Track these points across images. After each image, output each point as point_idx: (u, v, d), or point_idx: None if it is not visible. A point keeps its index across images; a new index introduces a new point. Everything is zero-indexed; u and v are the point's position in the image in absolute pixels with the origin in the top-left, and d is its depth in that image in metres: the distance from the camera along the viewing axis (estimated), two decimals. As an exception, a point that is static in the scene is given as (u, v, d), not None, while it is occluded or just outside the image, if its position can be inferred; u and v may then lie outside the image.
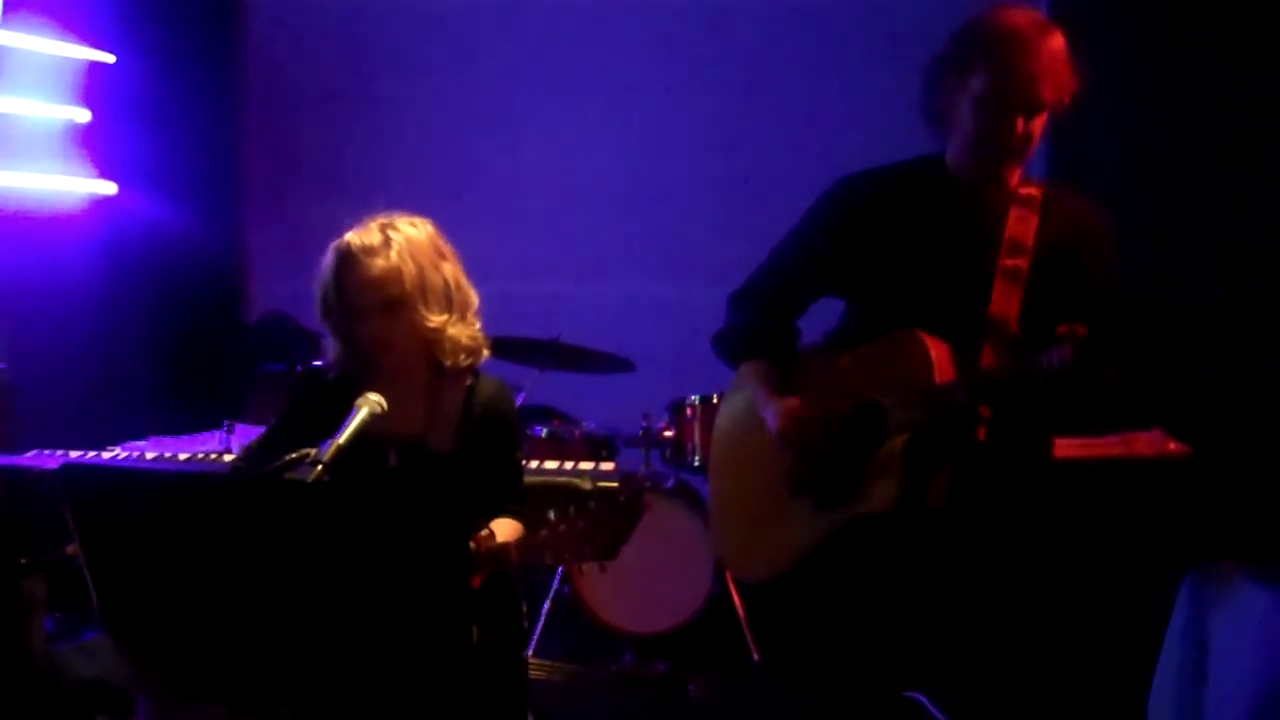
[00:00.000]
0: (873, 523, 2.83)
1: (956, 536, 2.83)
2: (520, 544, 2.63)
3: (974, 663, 2.89)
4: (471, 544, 2.57)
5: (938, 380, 2.73)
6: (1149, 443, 3.72)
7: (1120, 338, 2.50)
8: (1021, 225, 2.82)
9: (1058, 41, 2.70)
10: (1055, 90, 2.69)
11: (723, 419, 3.27)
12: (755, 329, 3.09)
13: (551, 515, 2.57)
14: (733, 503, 3.20)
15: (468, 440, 2.95)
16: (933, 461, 2.76)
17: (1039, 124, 2.72)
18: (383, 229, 2.90)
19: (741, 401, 3.16)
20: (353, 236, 2.90)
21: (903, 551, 2.86)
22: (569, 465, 4.29)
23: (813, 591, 3.03)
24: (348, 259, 2.88)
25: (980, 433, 2.76)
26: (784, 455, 2.98)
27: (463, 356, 2.97)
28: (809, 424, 2.92)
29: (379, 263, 2.85)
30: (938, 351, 2.76)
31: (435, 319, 2.90)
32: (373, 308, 2.87)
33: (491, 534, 2.65)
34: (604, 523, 2.53)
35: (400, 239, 2.88)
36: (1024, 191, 2.85)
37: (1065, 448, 3.22)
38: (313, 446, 2.52)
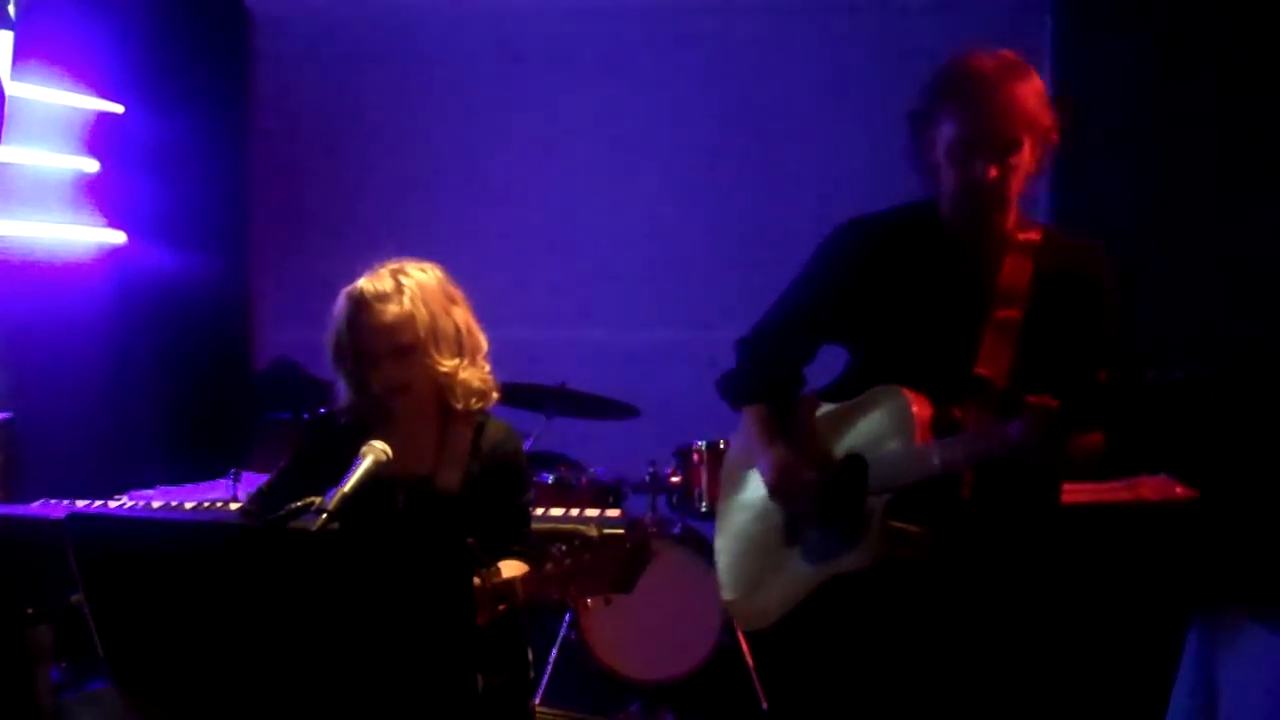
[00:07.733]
0: (856, 580, 2.73)
1: (942, 595, 2.74)
2: (526, 579, 2.62)
3: (978, 715, 2.79)
4: (477, 580, 2.56)
5: (918, 441, 2.64)
6: (1156, 487, 3.71)
7: (1090, 411, 2.40)
8: (1016, 274, 2.71)
9: (1026, 80, 2.62)
10: (1027, 128, 2.61)
11: (729, 463, 3.24)
12: (756, 373, 3.05)
13: (557, 550, 2.57)
14: (734, 547, 3.15)
15: (475, 480, 2.96)
16: (915, 521, 2.67)
17: (1020, 163, 2.62)
18: (394, 275, 2.93)
19: (746, 446, 3.12)
20: (365, 283, 2.93)
21: (886, 610, 2.76)
22: (575, 512, 4.29)
23: (800, 646, 2.95)
24: (360, 305, 2.91)
25: (965, 492, 2.67)
26: (781, 503, 2.94)
27: (473, 400, 2.99)
28: (799, 476, 2.85)
29: (392, 309, 2.88)
30: (920, 410, 2.66)
31: (447, 363, 2.93)
32: (386, 353, 2.90)
33: (497, 570, 2.65)
34: (612, 558, 2.52)
35: (412, 284, 2.92)
36: (1021, 237, 2.74)
37: (1069, 493, 3.21)
38: (321, 491, 2.53)
